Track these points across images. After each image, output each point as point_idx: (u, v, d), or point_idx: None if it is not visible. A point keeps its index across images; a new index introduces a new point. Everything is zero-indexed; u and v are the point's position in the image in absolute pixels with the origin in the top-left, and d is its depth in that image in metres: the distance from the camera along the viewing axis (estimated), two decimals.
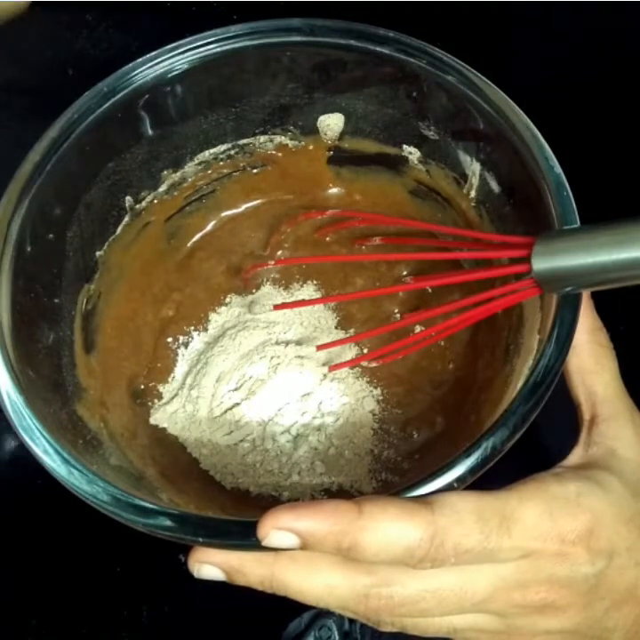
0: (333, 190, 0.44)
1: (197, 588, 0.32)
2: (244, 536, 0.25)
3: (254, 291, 0.42)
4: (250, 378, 0.38)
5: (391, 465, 0.38)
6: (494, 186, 0.37)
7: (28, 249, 0.32)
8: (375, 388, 0.39)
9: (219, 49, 0.36)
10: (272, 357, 0.39)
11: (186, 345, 0.41)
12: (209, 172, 0.42)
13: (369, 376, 0.39)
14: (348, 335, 0.41)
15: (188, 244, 0.44)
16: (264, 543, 0.23)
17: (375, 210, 0.43)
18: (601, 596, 0.26)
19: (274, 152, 0.42)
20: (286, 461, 0.37)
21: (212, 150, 0.41)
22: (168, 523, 0.26)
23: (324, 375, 0.38)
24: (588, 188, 0.33)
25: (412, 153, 0.40)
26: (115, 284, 0.40)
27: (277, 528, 0.23)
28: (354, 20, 0.36)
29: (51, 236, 0.35)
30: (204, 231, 0.44)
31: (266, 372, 0.38)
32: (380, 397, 0.39)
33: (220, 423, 0.38)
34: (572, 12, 0.50)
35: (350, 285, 0.42)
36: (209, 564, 0.26)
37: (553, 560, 0.25)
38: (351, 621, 0.41)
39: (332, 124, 0.41)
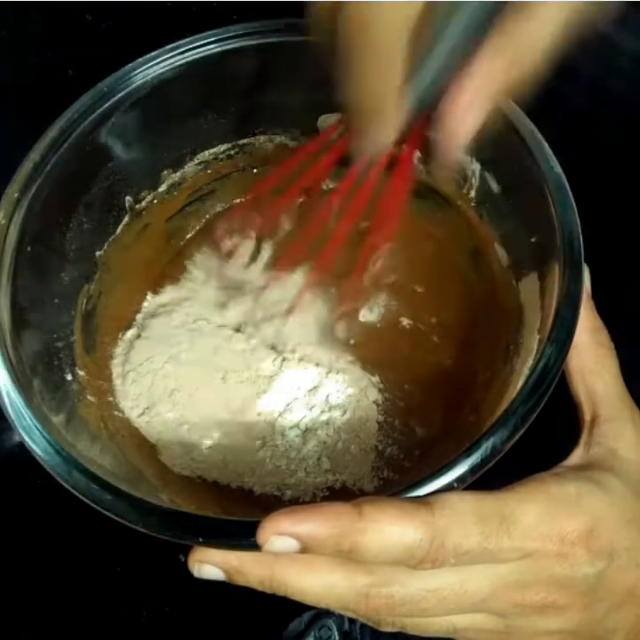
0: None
1: (197, 588, 0.32)
2: (244, 536, 0.25)
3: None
4: (257, 376, 0.38)
5: (393, 463, 0.38)
6: (494, 186, 0.37)
7: (28, 249, 0.32)
8: (379, 387, 0.39)
9: (219, 49, 0.36)
10: (276, 357, 0.39)
11: None
12: (209, 171, 0.42)
13: (371, 373, 0.39)
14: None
15: (189, 244, 0.44)
16: (265, 549, 0.23)
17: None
18: (601, 597, 0.26)
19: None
20: (295, 456, 0.37)
21: (211, 150, 0.41)
22: (168, 523, 0.26)
23: (327, 371, 0.39)
24: (588, 187, 0.33)
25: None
26: (115, 284, 0.40)
27: (278, 533, 0.23)
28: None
29: (51, 235, 0.35)
30: (205, 231, 0.44)
31: (272, 368, 0.38)
32: (384, 394, 0.39)
33: (227, 422, 0.38)
34: None
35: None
36: (209, 563, 0.26)
37: (553, 560, 0.25)
38: (351, 621, 0.41)
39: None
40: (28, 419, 0.28)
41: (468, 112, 0.26)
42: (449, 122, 0.26)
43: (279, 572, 0.26)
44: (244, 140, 0.42)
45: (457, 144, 0.27)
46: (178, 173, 0.41)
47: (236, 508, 0.36)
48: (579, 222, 0.30)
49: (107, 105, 0.35)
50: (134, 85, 0.35)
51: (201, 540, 0.25)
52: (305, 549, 0.23)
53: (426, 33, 0.25)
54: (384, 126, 0.28)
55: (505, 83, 0.25)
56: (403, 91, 0.26)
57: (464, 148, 0.27)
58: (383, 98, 0.26)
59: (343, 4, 0.24)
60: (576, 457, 0.29)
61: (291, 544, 0.23)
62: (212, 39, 0.36)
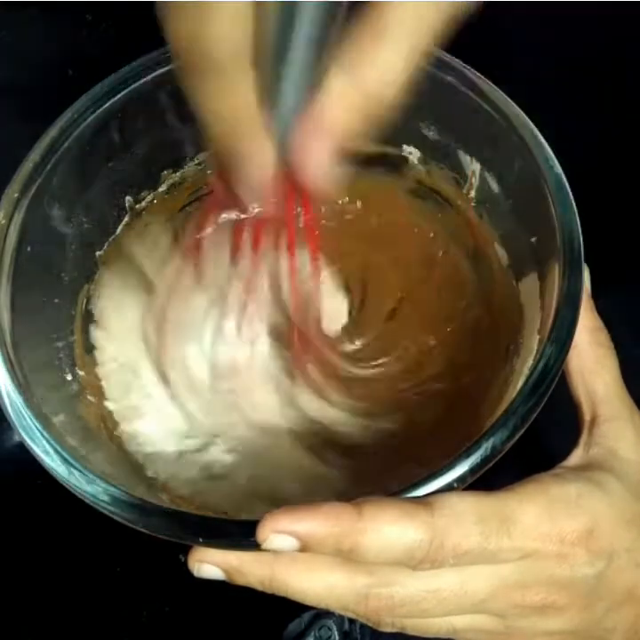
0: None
1: (197, 588, 0.32)
2: (243, 536, 0.25)
3: None
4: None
5: (390, 466, 0.38)
6: (494, 186, 0.37)
7: (28, 249, 0.32)
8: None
9: None
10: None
11: None
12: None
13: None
14: None
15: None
16: (264, 547, 0.23)
17: (374, 210, 0.43)
18: (600, 597, 0.26)
19: None
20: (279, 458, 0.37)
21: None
22: (168, 523, 0.26)
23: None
24: (588, 188, 0.33)
25: (412, 153, 0.40)
26: None
27: (277, 531, 0.23)
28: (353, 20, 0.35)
29: (51, 235, 0.35)
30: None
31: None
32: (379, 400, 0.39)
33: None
34: (573, 11, 0.50)
35: None
36: (209, 563, 0.26)
37: (553, 561, 0.25)
38: (351, 621, 0.41)
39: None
40: (27, 419, 0.28)
41: (319, 156, 0.22)
42: (304, 165, 0.22)
43: (279, 572, 0.26)
44: None
45: (320, 185, 0.23)
46: (178, 173, 0.41)
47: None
48: (579, 222, 0.30)
49: (107, 105, 0.35)
50: (134, 85, 0.35)
51: (201, 540, 0.25)
52: (304, 548, 0.23)
53: (266, 44, 0.20)
54: (257, 154, 0.22)
55: (355, 119, 0.22)
56: (263, 111, 0.22)
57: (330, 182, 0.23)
58: (244, 117, 0.22)
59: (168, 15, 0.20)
60: (576, 457, 0.29)
61: (290, 542, 0.23)
62: None
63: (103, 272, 0.39)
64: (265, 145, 0.22)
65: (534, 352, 0.30)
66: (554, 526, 0.25)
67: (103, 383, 0.38)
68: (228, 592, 0.28)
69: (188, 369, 0.38)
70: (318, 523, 0.23)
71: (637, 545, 0.27)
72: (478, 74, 0.34)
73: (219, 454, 0.37)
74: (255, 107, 0.22)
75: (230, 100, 0.21)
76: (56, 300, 0.35)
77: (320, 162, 0.22)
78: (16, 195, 0.32)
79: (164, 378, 0.38)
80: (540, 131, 0.32)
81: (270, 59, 0.21)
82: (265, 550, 0.24)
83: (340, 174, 0.23)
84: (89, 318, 0.38)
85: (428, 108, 0.37)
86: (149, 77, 0.35)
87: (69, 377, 0.35)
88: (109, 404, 0.37)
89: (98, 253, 0.38)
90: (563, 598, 0.26)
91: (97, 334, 0.38)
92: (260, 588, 0.26)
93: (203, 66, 0.20)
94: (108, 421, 0.36)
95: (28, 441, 0.28)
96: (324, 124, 0.22)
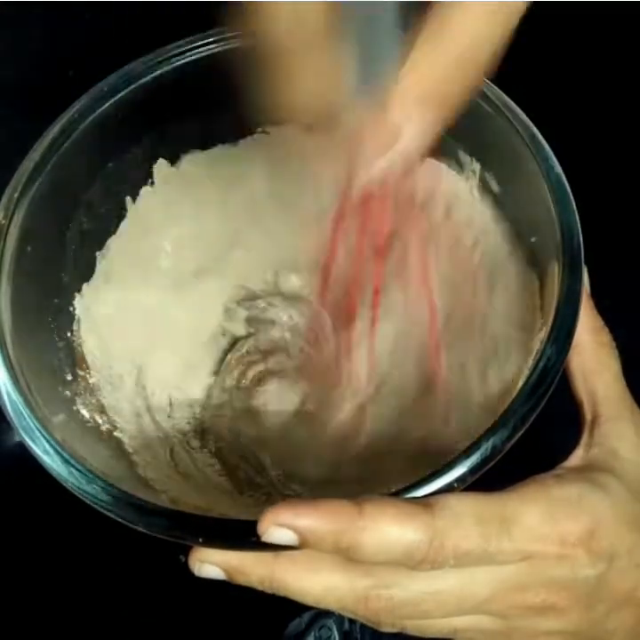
0: None
1: (197, 587, 0.32)
2: (243, 536, 0.25)
3: None
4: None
5: (389, 468, 0.38)
6: (494, 186, 0.37)
7: (28, 249, 0.32)
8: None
9: (219, 49, 0.36)
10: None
11: None
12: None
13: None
14: None
15: None
16: (263, 539, 0.24)
17: None
18: (601, 598, 0.26)
19: None
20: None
21: (212, 150, 0.41)
22: (168, 523, 0.26)
23: None
24: (588, 187, 0.33)
25: None
26: None
27: (277, 524, 0.23)
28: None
29: (51, 235, 0.35)
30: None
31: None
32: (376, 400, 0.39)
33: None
34: (571, 11, 0.50)
35: None
36: (209, 563, 0.26)
37: (554, 562, 0.25)
38: (351, 621, 0.41)
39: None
40: (27, 419, 0.28)
41: (406, 123, 0.23)
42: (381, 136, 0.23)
43: (279, 572, 0.26)
44: (244, 141, 0.41)
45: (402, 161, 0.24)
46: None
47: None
48: (579, 222, 0.30)
49: (107, 105, 0.35)
50: (134, 85, 0.35)
51: (201, 540, 0.25)
52: (303, 544, 0.23)
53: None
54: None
55: (444, 86, 0.22)
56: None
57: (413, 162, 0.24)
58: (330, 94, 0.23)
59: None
60: (577, 458, 0.29)
61: (289, 536, 0.23)
62: (212, 39, 0.36)
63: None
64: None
65: (534, 352, 0.30)
66: (555, 527, 0.25)
67: (102, 383, 0.38)
68: (228, 592, 0.28)
69: None
70: (318, 518, 0.23)
71: (638, 546, 0.27)
72: None
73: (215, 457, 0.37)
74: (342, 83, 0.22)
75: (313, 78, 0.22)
76: (56, 300, 0.35)
77: (420, 128, 0.23)
78: (16, 195, 0.32)
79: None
80: (540, 131, 0.32)
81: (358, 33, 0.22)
82: (265, 549, 0.24)
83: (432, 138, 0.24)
84: None
85: None
86: (149, 77, 0.35)
87: (69, 377, 0.35)
88: (107, 403, 0.37)
89: (98, 253, 0.38)
90: (563, 599, 0.26)
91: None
92: (260, 587, 0.26)
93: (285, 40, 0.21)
94: (107, 421, 0.36)
95: (28, 441, 0.28)
96: (419, 93, 0.22)
